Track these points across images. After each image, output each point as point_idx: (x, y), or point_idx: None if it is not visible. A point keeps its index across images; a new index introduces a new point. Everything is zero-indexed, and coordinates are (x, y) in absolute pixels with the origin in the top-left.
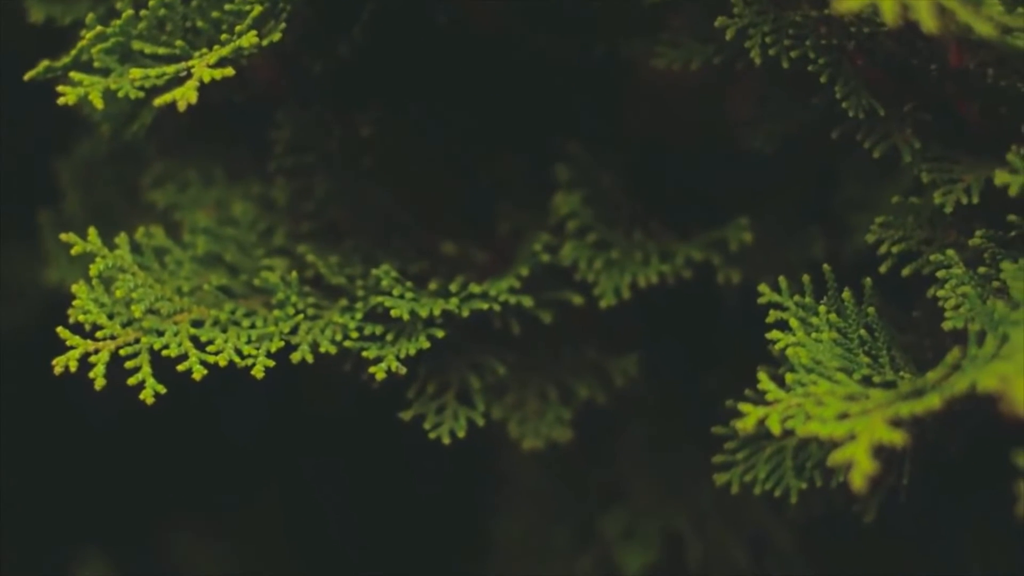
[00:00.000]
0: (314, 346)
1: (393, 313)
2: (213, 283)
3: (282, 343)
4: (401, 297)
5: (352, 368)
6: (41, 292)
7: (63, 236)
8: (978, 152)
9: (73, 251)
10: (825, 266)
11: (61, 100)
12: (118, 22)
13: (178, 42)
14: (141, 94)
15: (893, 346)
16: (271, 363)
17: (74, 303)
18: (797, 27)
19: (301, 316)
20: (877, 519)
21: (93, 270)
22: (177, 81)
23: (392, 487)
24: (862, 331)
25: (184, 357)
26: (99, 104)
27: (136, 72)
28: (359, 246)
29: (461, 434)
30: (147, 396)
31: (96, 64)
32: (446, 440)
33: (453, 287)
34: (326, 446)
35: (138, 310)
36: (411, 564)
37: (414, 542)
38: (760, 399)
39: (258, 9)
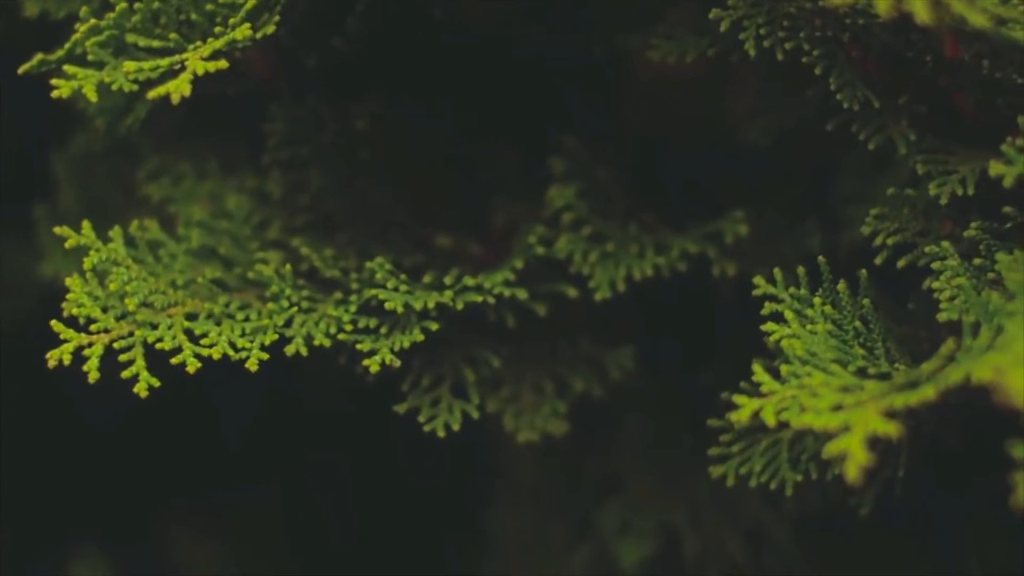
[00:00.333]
0: (308, 339)
1: (387, 306)
2: (207, 276)
3: (276, 336)
4: (395, 290)
5: (347, 361)
6: (37, 286)
7: (57, 229)
8: (974, 144)
9: (67, 244)
10: (820, 258)
11: (55, 93)
12: (112, 15)
13: (172, 35)
14: (135, 87)
15: (888, 338)
16: (265, 356)
17: (68, 296)
18: (791, 19)
19: (295, 309)
20: (873, 512)
21: (87, 263)
22: (171, 74)
23: (389, 482)
24: (857, 323)
25: (178, 350)
26: (93, 97)
27: (130, 65)
28: (354, 239)
29: (456, 427)
30: (141, 389)
31: (90, 57)
32: (441, 433)
33: (448, 280)
34: (323, 442)
35: (132, 303)
36: (408, 558)
37: (411, 536)
38: (755, 391)
39: (252, 2)
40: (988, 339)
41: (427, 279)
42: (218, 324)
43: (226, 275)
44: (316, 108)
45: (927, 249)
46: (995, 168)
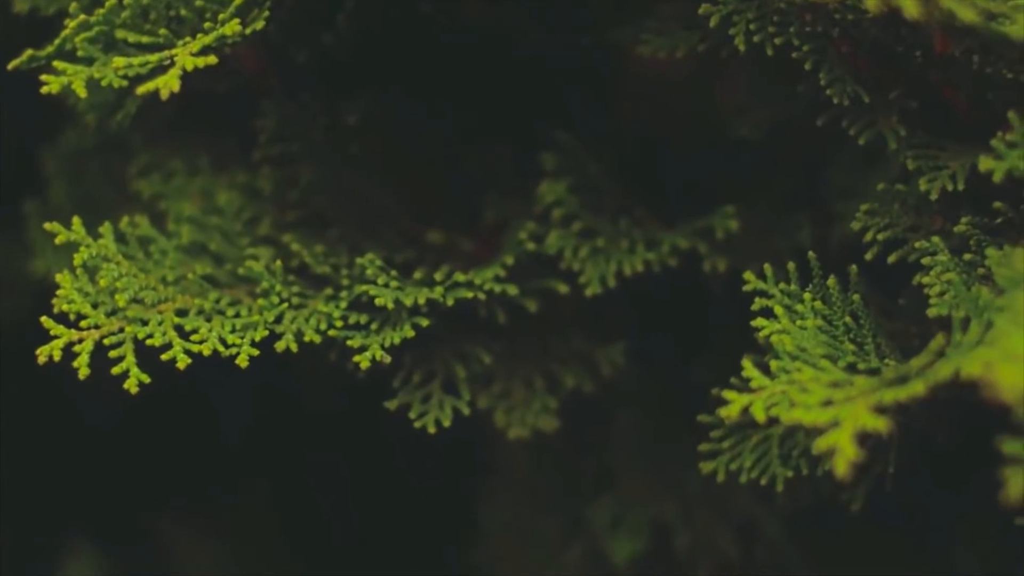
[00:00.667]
0: (298, 335)
1: (378, 302)
2: (198, 272)
3: (266, 332)
4: (386, 286)
5: (337, 358)
6: (30, 283)
7: (47, 225)
8: (965, 139)
9: (57, 240)
10: (810, 253)
11: (44, 89)
12: (102, 11)
13: (161, 31)
14: (125, 83)
15: (879, 333)
16: (255, 352)
17: (58, 292)
18: (781, 14)
19: (286, 305)
20: (865, 508)
21: (77, 259)
22: (161, 70)
23: (384, 479)
24: (847, 318)
25: (168, 346)
26: (82, 93)
27: (119, 61)
28: (344, 235)
29: (447, 423)
30: (131, 386)
31: (80, 53)
32: (431, 429)
33: (438, 276)
34: (318, 440)
35: (122, 299)
36: (402, 554)
37: (405, 532)
38: (745, 387)
39: None
40: (978, 334)
41: (418, 275)
42: (208, 320)
43: (217, 271)
44: (307, 104)
45: (917, 244)
46: (985, 163)
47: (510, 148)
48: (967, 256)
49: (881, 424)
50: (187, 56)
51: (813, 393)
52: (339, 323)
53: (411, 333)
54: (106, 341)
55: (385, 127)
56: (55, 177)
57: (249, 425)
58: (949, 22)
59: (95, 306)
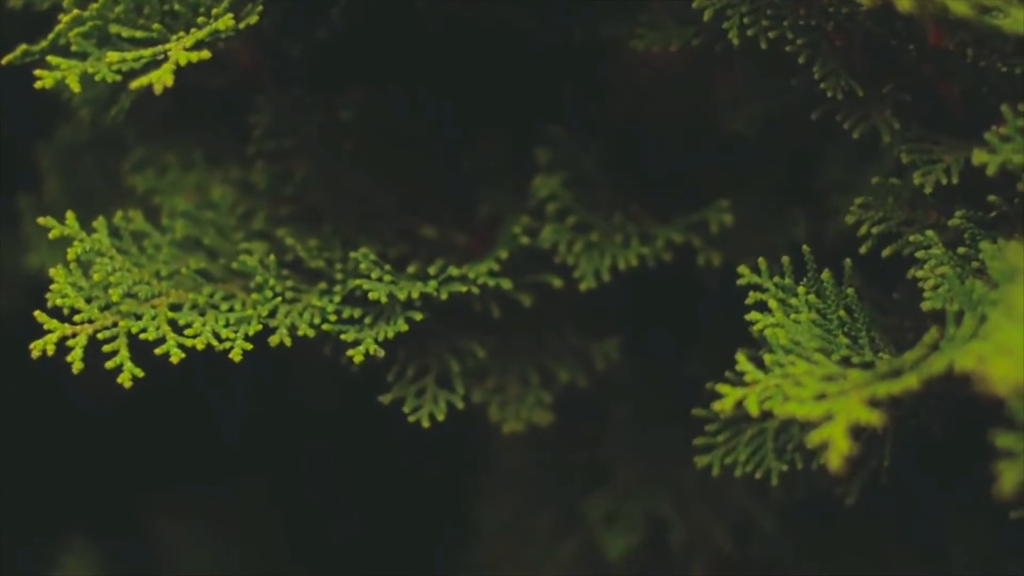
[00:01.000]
0: (292, 329)
1: (371, 296)
2: (192, 267)
3: (260, 326)
4: (379, 280)
5: (331, 352)
6: (25, 278)
7: (41, 220)
8: (958, 133)
9: (51, 235)
10: (804, 247)
11: (38, 84)
12: (95, 6)
13: (155, 25)
14: (118, 78)
15: (873, 327)
16: (249, 346)
17: (52, 287)
18: (775, 7)
19: (279, 299)
20: (861, 501)
21: (71, 254)
22: (154, 64)
23: (379, 474)
24: (841, 312)
25: (162, 340)
26: (76, 88)
27: (113, 56)
28: (339, 230)
29: (441, 417)
30: (124, 380)
31: (73, 48)
32: (425, 423)
33: (432, 270)
34: (313, 436)
35: (116, 294)
36: (396, 548)
37: (399, 527)
38: (739, 381)
39: None
40: (972, 328)
41: (411, 269)
42: (202, 314)
43: (210, 265)
44: (301, 99)
45: (912, 238)
46: (978, 157)
47: (504, 142)
48: (961, 250)
49: (874, 417)
50: (180, 51)
51: (807, 387)
52: (333, 317)
53: (405, 327)
54: (100, 336)
55: (379, 122)
56: (50, 172)
57: (245, 421)
58: (942, 15)
59: (89, 300)
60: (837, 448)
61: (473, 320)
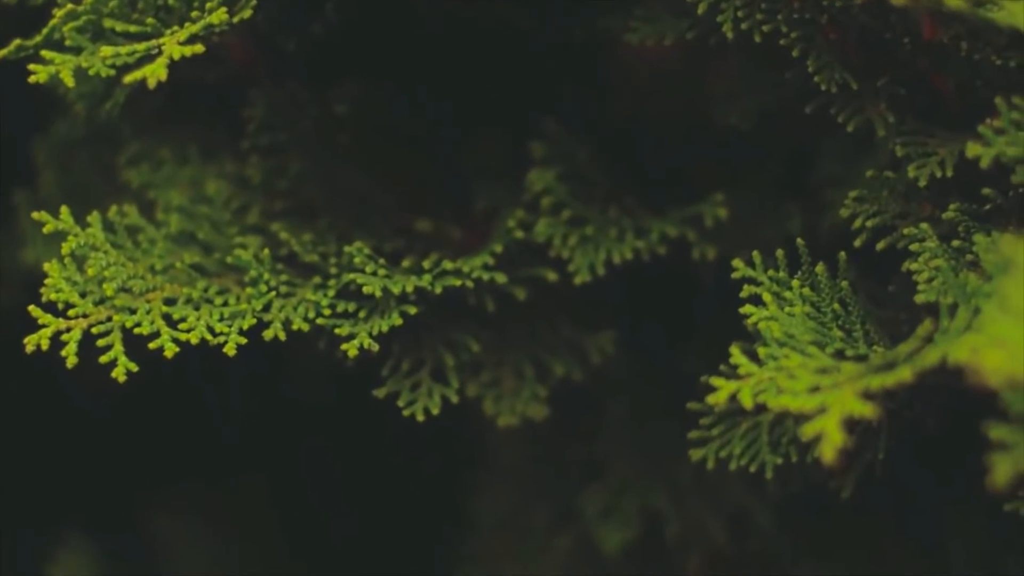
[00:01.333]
0: (287, 323)
1: (366, 290)
2: (186, 261)
3: (254, 321)
4: (374, 274)
5: (326, 347)
6: (21, 273)
7: (36, 215)
8: (953, 126)
9: (45, 230)
10: (799, 240)
11: (32, 79)
12: (89, 0)
13: (149, 20)
14: (112, 72)
15: (867, 320)
16: (243, 340)
17: (46, 282)
18: (769, 1)
19: (274, 294)
20: (857, 494)
21: (65, 248)
22: (148, 59)
23: (375, 469)
24: (836, 305)
25: (156, 335)
26: (70, 82)
27: (107, 50)
28: (333, 224)
29: (435, 411)
30: (119, 374)
31: (68, 42)
32: (420, 417)
33: (426, 264)
34: (310, 431)
35: (110, 288)
36: (393, 544)
37: (396, 522)
38: (734, 374)
39: None
40: (965, 320)
41: (406, 263)
42: (196, 309)
43: (205, 260)
44: (296, 93)
45: (906, 231)
46: (973, 149)
47: (499, 137)
48: (955, 242)
49: (868, 410)
50: (175, 45)
51: (800, 379)
52: (327, 311)
53: (399, 321)
54: (94, 330)
55: (374, 116)
56: (45, 167)
57: (242, 418)
58: (937, 9)
59: (83, 295)
60: (831, 440)
61: (468, 314)
